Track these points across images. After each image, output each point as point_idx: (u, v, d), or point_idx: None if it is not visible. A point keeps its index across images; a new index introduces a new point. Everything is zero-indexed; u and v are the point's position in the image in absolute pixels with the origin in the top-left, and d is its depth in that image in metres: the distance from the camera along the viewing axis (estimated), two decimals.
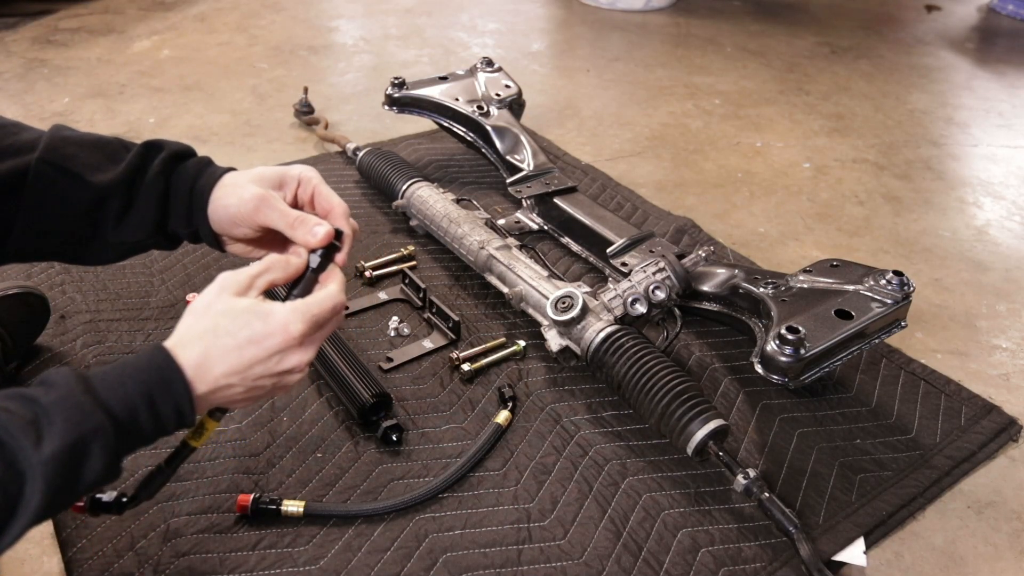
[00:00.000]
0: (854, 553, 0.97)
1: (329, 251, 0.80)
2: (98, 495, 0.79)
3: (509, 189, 1.62)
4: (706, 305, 1.29)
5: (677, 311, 1.24)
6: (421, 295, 1.34)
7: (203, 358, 0.70)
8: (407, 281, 1.38)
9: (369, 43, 2.63)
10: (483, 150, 1.73)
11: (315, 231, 0.79)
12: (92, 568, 0.90)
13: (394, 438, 1.07)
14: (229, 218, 0.84)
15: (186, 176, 0.85)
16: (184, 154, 0.87)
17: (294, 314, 0.73)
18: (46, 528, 0.97)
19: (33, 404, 0.61)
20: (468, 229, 1.40)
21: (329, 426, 1.11)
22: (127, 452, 0.67)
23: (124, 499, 0.80)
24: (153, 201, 0.85)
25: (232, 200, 0.83)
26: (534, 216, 1.61)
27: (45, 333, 1.23)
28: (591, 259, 1.49)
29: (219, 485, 1.01)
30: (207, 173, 0.85)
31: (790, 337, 1.03)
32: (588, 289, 1.23)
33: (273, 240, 0.85)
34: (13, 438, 0.58)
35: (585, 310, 1.15)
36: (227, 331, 0.71)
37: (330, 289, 0.78)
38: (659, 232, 1.53)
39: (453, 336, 1.28)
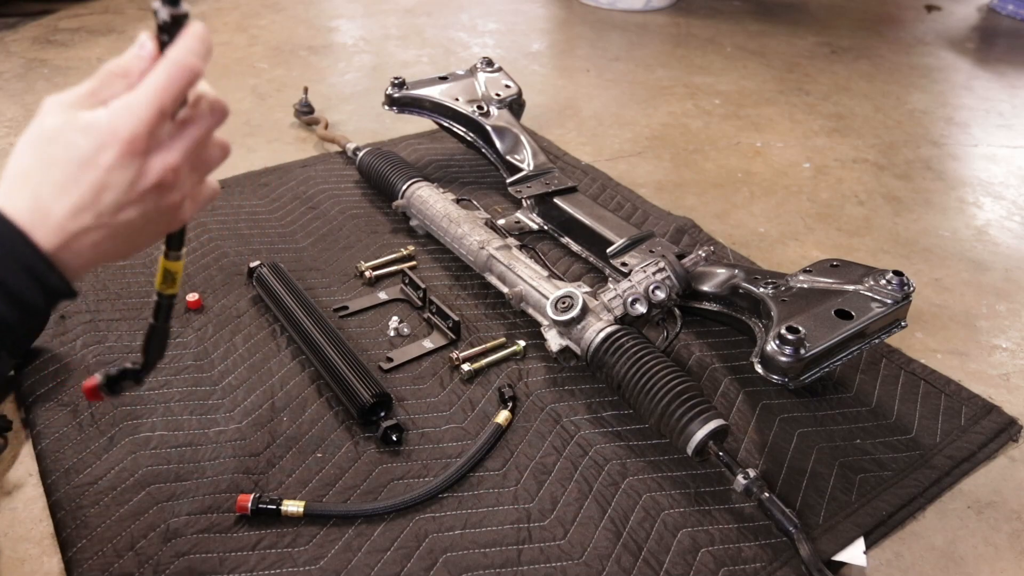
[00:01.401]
0: (854, 553, 0.97)
1: (173, 28, 0.58)
2: (105, 373, 0.71)
3: (509, 189, 1.62)
4: (706, 305, 1.29)
5: (677, 311, 1.24)
6: (421, 295, 1.34)
7: (35, 201, 0.54)
8: (407, 281, 1.38)
9: (369, 43, 2.63)
10: (483, 150, 1.73)
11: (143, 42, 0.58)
12: (92, 568, 0.90)
13: (394, 438, 1.07)
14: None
15: None
16: None
17: (122, 110, 0.55)
18: (46, 528, 0.97)
19: None
20: (468, 229, 1.40)
21: (329, 426, 1.11)
22: None
23: (136, 368, 0.72)
24: None
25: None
26: (534, 216, 1.61)
27: (45, 333, 1.23)
28: (591, 259, 1.49)
29: (219, 485, 1.01)
30: None
31: (790, 337, 1.03)
32: (588, 289, 1.23)
33: None
34: None
35: (585, 310, 1.15)
36: (52, 160, 0.54)
37: (171, 54, 0.57)
38: (659, 232, 1.53)
39: (453, 336, 1.28)
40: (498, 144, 1.70)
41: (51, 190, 0.54)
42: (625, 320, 1.17)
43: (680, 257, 1.29)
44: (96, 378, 0.70)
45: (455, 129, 1.75)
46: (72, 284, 0.58)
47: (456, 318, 1.27)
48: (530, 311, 1.27)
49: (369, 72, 2.39)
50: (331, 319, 1.29)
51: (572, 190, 1.61)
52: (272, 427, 1.10)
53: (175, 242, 0.67)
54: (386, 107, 1.75)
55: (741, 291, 1.21)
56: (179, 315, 1.30)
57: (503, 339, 1.27)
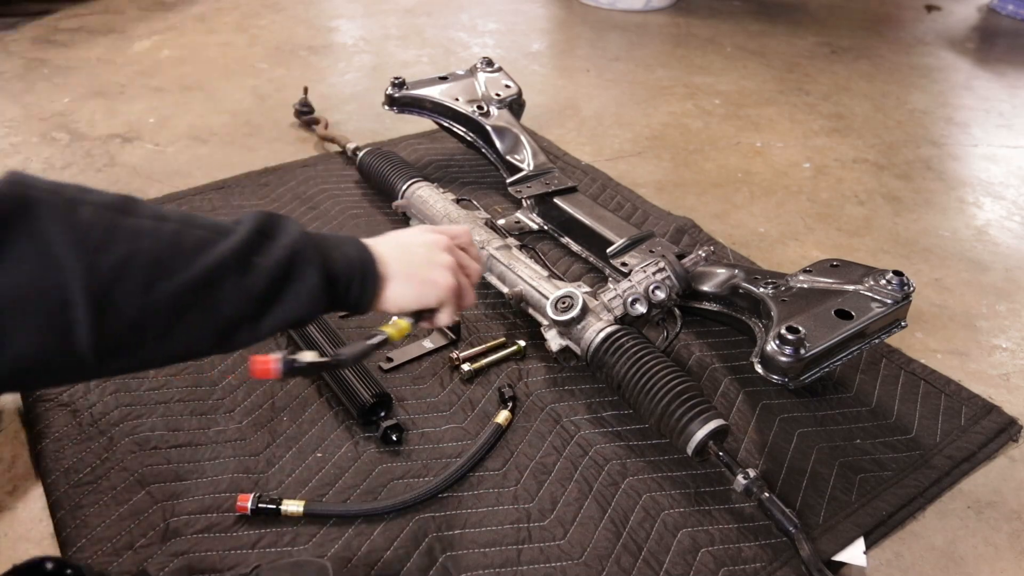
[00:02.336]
0: (854, 553, 0.97)
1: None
2: (291, 358, 0.76)
3: (509, 189, 1.62)
4: (706, 305, 1.29)
5: (677, 311, 1.24)
6: None
7: (375, 243, 0.82)
8: None
9: (369, 43, 2.63)
10: (483, 150, 1.73)
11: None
12: (91, 568, 0.90)
13: (394, 438, 1.07)
14: None
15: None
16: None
17: (442, 232, 0.90)
18: (46, 528, 0.97)
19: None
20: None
21: (329, 426, 1.11)
22: (327, 299, 0.73)
23: (323, 360, 0.78)
24: None
25: None
26: (534, 216, 1.61)
27: None
28: (591, 259, 1.49)
29: (219, 485, 1.01)
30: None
31: (790, 337, 1.03)
32: (588, 289, 1.23)
33: None
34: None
35: (585, 310, 1.15)
36: (400, 239, 0.86)
37: (455, 229, 0.94)
38: (659, 232, 1.53)
39: (453, 336, 1.27)
40: (498, 144, 1.70)
41: (386, 244, 0.83)
42: (625, 320, 1.17)
43: (680, 257, 1.29)
44: (275, 360, 0.74)
45: (455, 129, 1.75)
46: (370, 306, 0.80)
47: (456, 318, 1.27)
48: (530, 311, 1.26)
49: (369, 72, 2.39)
50: (331, 319, 1.29)
51: (572, 190, 1.61)
52: (272, 427, 1.10)
53: (424, 316, 0.87)
54: (386, 107, 1.75)
55: (741, 291, 1.21)
56: None
57: (503, 339, 1.27)
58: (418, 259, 0.84)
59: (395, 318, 0.85)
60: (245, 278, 0.66)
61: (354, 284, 0.76)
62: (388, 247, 0.82)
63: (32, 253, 0.55)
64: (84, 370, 0.60)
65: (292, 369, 0.75)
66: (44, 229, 0.56)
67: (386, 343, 0.84)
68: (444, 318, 0.88)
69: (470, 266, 0.91)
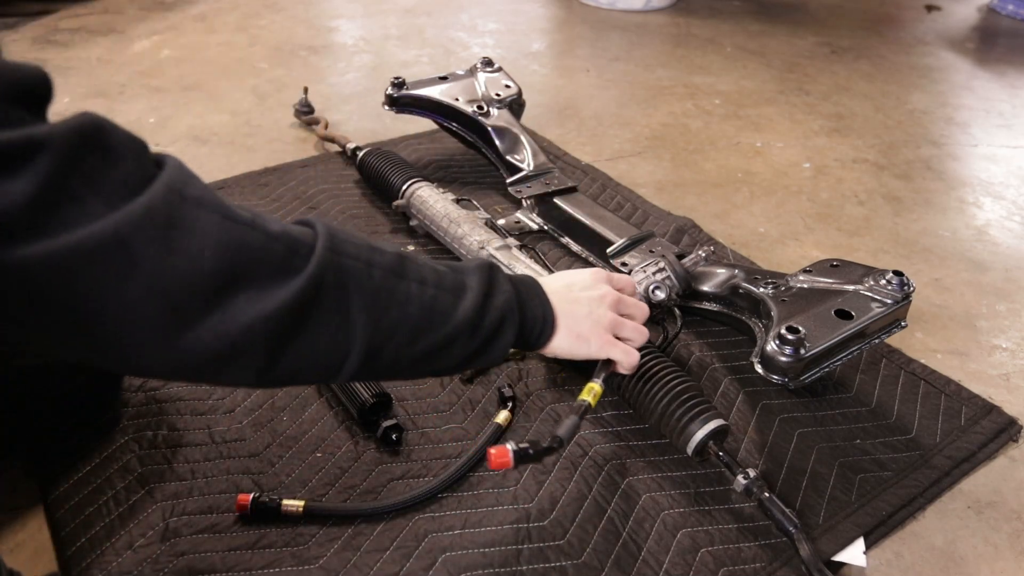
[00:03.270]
0: (854, 553, 0.97)
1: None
2: (520, 447, 0.83)
3: (509, 189, 1.62)
4: (706, 305, 1.29)
5: (677, 311, 1.24)
6: None
7: (548, 289, 0.91)
8: None
9: (369, 43, 2.63)
10: (483, 150, 1.73)
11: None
12: (91, 567, 0.90)
13: (394, 438, 1.07)
14: None
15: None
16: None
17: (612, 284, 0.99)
18: (45, 528, 0.97)
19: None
20: (468, 229, 1.40)
21: (329, 426, 1.11)
22: (512, 349, 0.85)
23: (547, 447, 0.85)
24: None
25: None
26: (534, 216, 1.61)
27: None
28: (591, 259, 1.49)
29: (219, 485, 1.01)
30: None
31: (790, 337, 1.03)
32: None
33: None
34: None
35: None
36: (566, 279, 0.96)
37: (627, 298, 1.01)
38: (659, 232, 1.53)
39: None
40: (498, 144, 1.69)
41: (559, 300, 0.91)
42: None
43: (680, 257, 1.29)
44: (508, 450, 0.82)
45: (455, 129, 1.75)
46: (543, 345, 0.90)
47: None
48: None
49: (369, 72, 2.39)
50: None
51: (572, 190, 1.61)
52: (272, 427, 1.10)
53: (599, 370, 0.95)
54: (386, 107, 1.75)
55: (741, 291, 1.21)
56: None
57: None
58: (580, 314, 0.91)
59: (590, 384, 0.93)
60: (471, 340, 0.78)
61: (532, 338, 0.87)
62: (557, 297, 0.90)
63: (337, 319, 0.66)
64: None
65: (524, 458, 0.83)
66: (349, 299, 0.67)
67: (589, 411, 0.91)
68: (622, 368, 0.96)
69: (632, 319, 0.98)
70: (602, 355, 0.93)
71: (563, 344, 0.90)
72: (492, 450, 0.81)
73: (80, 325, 0.54)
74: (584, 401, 0.91)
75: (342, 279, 0.66)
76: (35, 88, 0.53)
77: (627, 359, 0.95)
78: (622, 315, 0.97)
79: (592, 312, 0.92)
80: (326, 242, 0.66)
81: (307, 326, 0.64)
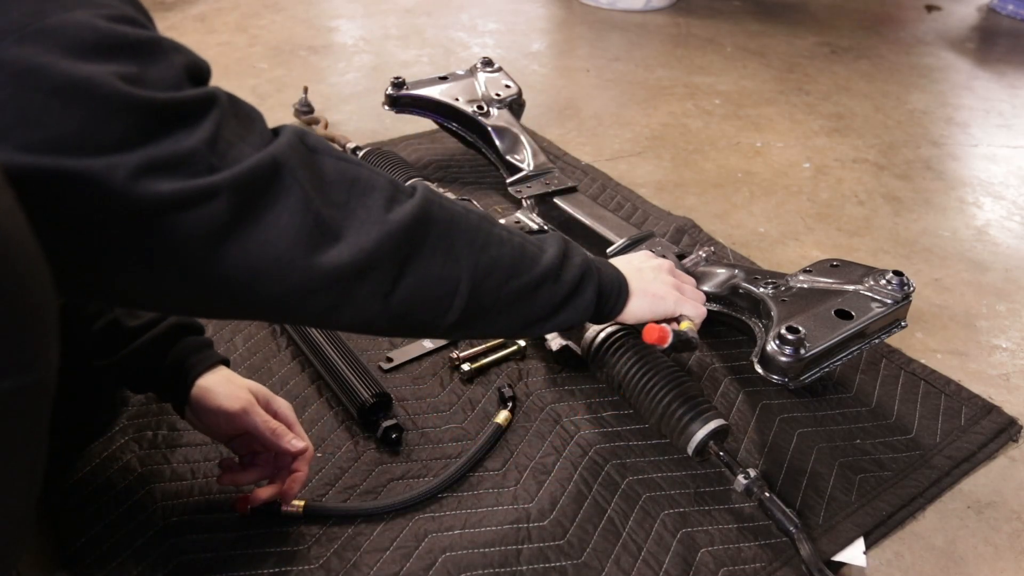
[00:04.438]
0: (854, 553, 0.97)
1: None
2: (678, 330, 0.98)
3: (509, 189, 1.62)
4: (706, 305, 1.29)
5: None
6: None
7: (616, 264, 0.98)
8: None
9: (369, 43, 2.63)
10: (483, 150, 1.73)
11: (293, 443, 0.93)
12: (91, 567, 0.90)
13: (394, 438, 1.07)
14: (211, 402, 0.93)
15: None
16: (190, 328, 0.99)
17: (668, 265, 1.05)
18: (45, 528, 0.97)
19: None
20: None
21: (329, 426, 1.11)
22: (593, 310, 0.89)
23: (694, 337, 1.00)
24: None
25: (222, 389, 0.93)
26: (534, 216, 1.61)
27: None
28: None
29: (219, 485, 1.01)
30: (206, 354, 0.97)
31: (790, 337, 1.03)
32: None
33: (228, 434, 0.96)
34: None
35: None
36: (634, 262, 1.03)
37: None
38: (659, 232, 1.53)
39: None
40: (498, 144, 1.70)
41: (628, 270, 0.98)
42: None
43: (680, 257, 1.29)
44: (670, 331, 0.97)
45: (455, 129, 1.75)
46: (616, 317, 0.95)
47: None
48: None
49: (369, 72, 2.39)
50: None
51: (572, 190, 1.61)
52: None
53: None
54: (386, 107, 1.75)
55: (741, 291, 1.21)
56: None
57: (503, 339, 1.27)
58: (648, 278, 0.98)
59: (683, 318, 1.01)
60: (555, 287, 0.83)
61: (611, 299, 0.92)
62: (625, 268, 0.97)
63: (444, 246, 0.73)
64: (431, 335, 0.81)
65: (679, 341, 0.97)
66: (452, 233, 0.74)
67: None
68: (694, 326, 1.02)
69: (688, 287, 1.05)
70: (678, 311, 0.99)
71: (642, 304, 0.95)
72: (652, 327, 0.95)
73: (240, 245, 0.60)
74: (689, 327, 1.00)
75: (445, 215, 0.74)
76: (203, 72, 0.64)
77: (698, 314, 1.01)
78: None
79: (658, 276, 1.00)
80: (424, 188, 0.74)
81: (422, 252, 0.71)
